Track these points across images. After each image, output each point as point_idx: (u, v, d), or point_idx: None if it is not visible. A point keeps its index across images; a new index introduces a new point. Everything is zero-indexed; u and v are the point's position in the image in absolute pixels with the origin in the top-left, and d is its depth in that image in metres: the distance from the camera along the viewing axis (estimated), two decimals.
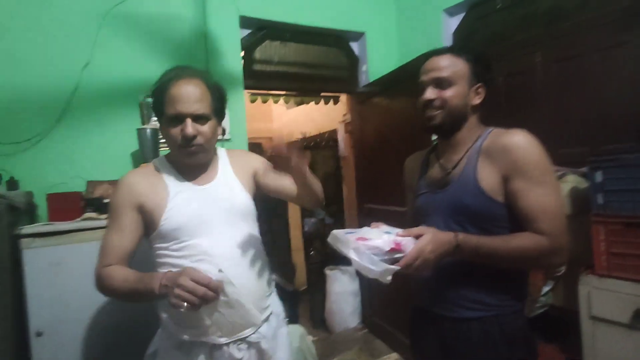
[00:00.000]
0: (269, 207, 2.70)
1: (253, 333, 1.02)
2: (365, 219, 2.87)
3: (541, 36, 1.79)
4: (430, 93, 0.96)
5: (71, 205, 1.58)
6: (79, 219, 1.54)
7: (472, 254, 0.87)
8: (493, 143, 0.93)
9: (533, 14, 1.90)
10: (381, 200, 2.62)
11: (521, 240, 0.86)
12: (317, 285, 3.33)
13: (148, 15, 2.00)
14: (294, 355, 1.22)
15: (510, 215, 0.90)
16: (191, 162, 1.04)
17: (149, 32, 2.00)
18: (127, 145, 1.91)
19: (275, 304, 1.16)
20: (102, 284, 0.98)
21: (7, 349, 1.32)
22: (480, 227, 0.92)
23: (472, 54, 0.98)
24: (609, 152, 1.33)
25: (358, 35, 2.77)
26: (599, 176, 1.30)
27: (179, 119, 0.97)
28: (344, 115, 3.38)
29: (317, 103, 3.39)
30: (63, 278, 1.42)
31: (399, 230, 0.89)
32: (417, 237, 0.83)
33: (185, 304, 0.81)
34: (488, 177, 0.91)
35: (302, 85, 2.79)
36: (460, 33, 2.33)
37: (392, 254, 0.80)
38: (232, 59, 2.21)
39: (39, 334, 1.38)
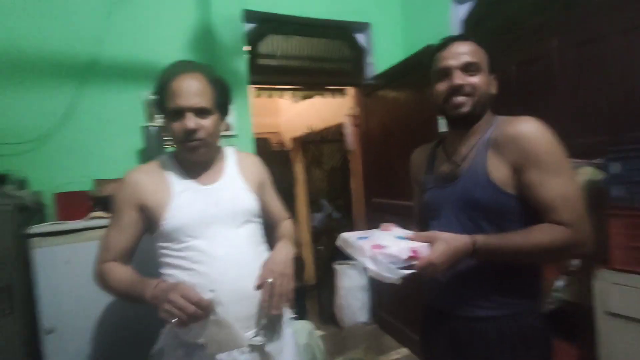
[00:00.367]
0: None
1: (256, 336, 1.00)
2: (372, 213, 2.86)
3: (558, 19, 1.70)
4: (459, 78, 0.91)
5: (79, 204, 1.60)
6: (86, 218, 1.55)
7: (492, 256, 0.84)
8: (501, 133, 0.90)
9: None
10: (389, 194, 2.60)
11: (542, 235, 0.82)
12: (326, 280, 3.33)
13: (152, 13, 1.99)
14: (302, 352, 1.21)
15: (523, 208, 0.87)
16: (193, 158, 1.03)
17: (154, 29, 1.99)
18: (133, 144, 1.91)
19: None
20: (100, 279, 0.99)
21: (19, 346, 1.35)
22: (493, 220, 0.89)
23: (486, 44, 0.95)
24: (630, 140, 1.28)
25: (363, 27, 2.72)
26: (615, 167, 1.25)
27: (180, 113, 0.96)
28: (351, 108, 3.34)
29: (323, 97, 3.36)
30: (72, 276, 1.43)
31: (411, 234, 0.87)
32: (431, 241, 0.82)
33: (174, 320, 0.82)
34: (498, 169, 0.88)
35: (307, 79, 2.76)
36: (470, 21, 2.26)
37: (409, 262, 0.79)
38: (237, 54, 2.19)
39: (50, 331, 1.41)
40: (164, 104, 0.98)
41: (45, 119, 1.77)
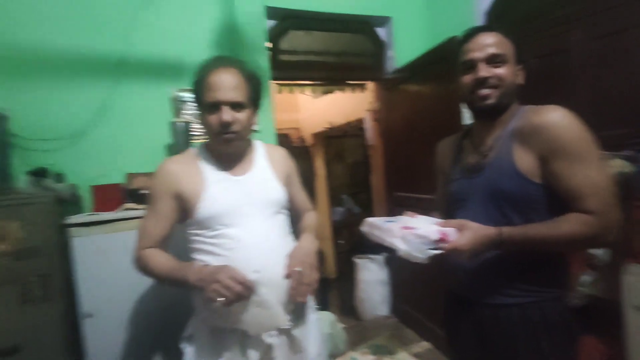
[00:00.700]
0: None
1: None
2: (394, 208, 2.85)
3: (580, 11, 1.67)
4: (485, 70, 0.91)
5: (112, 196, 1.68)
6: (119, 209, 1.63)
7: (518, 247, 0.85)
8: (526, 122, 0.89)
9: None
10: (410, 188, 2.58)
11: (570, 225, 0.81)
12: (346, 274, 3.35)
13: (177, 11, 2.05)
14: (324, 341, 1.24)
15: (550, 197, 0.86)
16: (227, 150, 1.07)
17: (179, 27, 2.05)
18: (162, 139, 1.98)
19: None
20: (140, 265, 1.05)
21: (62, 329, 1.44)
22: (519, 210, 0.89)
23: (513, 34, 0.95)
24: None
25: (384, 20, 2.71)
26: None
27: (216, 106, 1.00)
28: (371, 103, 3.33)
29: (343, 92, 3.37)
30: (108, 264, 1.51)
31: (438, 221, 0.89)
32: (460, 228, 0.83)
33: (220, 299, 0.87)
34: (524, 159, 0.88)
35: (328, 74, 2.78)
36: (493, 12, 2.22)
37: (438, 244, 0.81)
38: (259, 51, 2.23)
39: (88, 316, 1.49)
40: (201, 97, 1.03)
41: (80, 116, 1.86)
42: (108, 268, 1.51)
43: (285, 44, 2.48)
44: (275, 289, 1.00)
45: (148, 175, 1.79)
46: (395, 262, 2.85)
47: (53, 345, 1.42)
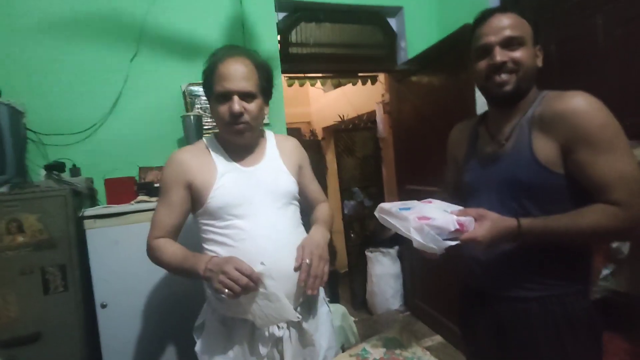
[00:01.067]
0: None
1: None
2: (405, 200, 2.82)
3: None
4: (501, 55, 0.86)
5: (125, 189, 1.70)
6: (132, 202, 1.65)
7: (538, 240, 0.81)
8: (548, 109, 0.84)
9: None
10: (422, 181, 2.55)
11: (593, 217, 0.77)
12: (358, 267, 3.35)
13: (187, 6, 2.06)
14: (335, 334, 1.23)
15: (572, 187, 0.82)
16: (238, 140, 1.06)
17: (190, 21, 2.06)
18: (173, 133, 2.00)
19: None
20: (152, 254, 1.06)
21: (79, 318, 1.48)
22: (538, 201, 0.85)
23: (530, 14, 0.90)
24: None
25: (395, 10, 2.66)
26: None
27: (227, 96, 0.99)
28: (382, 95, 3.29)
29: (354, 84, 3.34)
30: (121, 255, 1.54)
31: (455, 208, 0.86)
32: (478, 217, 0.80)
33: (227, 290, 0.86)
34: (544, 148, 0.83)
35: (339, 66, 2.75)
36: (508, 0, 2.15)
37: (455, 234, 0.79)
38: (269, 44, 2.21)
39: (103, 306, 1.53)
40: (211, 87, 1.02)
41: (95, 111, 1.89)
42: (121, 259, 1.54)
43: (295, 36, 2.46)
44: (284, 282, 0.98)
45: (160, 168, 1.82)
46: (408, 255, 2.83)
47: (71, 334, 1.46)
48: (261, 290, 0.92)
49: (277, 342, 1.02)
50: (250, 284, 0.88)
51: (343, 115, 3.97)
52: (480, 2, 2.23)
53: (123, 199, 1.66)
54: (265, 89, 1.07)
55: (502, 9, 0.91)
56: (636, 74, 1.48)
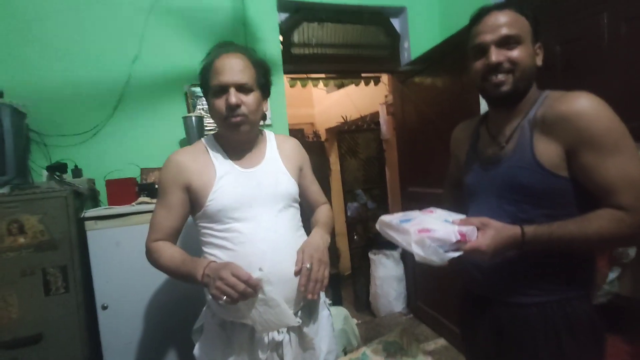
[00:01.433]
0: None
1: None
2: (408, 203, 2.80)
3: None
4: (497, 55, 0.84)
5: (127, 190, 1.70)
6: (134, 203, 1.65)
7: (542, 247, 0.78)
8: (550, 110, 0.82)
9: None
10: (425, 183, 2.53)
11: (601, 222, 0.74)
12: (361, 270, 3.33)
13: (189, 7, 2.06)
14: (337, 337, 1.22)
15: (576, 191, 0.80)
16: (236, 136, 1.04)
17: (191, 23, 2.06)
18: (175, 134, 2.00)
19: None
20: (151, 257, 1.04)
21: (80, 319, 1.47)
22: (540, 205, 0.83)
23: (529, 10, 0.87)
24: None
25: (399, 11, 2.65)
26: None
27: (223, 89, 0.99)
28: (386, 96, 3.28)
29: (357, 85, 3.32)
30: (122, 257, 1.54)
31: (456, 217, 0.84)
32: (481, 227, 0.79)
33: (224, 297, 0.85)
34: (547, 150, 0.80)
35: (342, 67, 2.73)
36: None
37: (456, 245, 0.77)
38: (271, 44, 2.21)
39: (104, 307, 1.52)
40: (208, 83, 1.01)
41: (97, 112, 1.89)
42: (122, 260, 1.54)
43: (297, 36, 2.46)
44: (284, 286, 0.97)
45: (161, 170, 1.81)
46: (411, 258, 2.81)
47: (72, 335, 1.46)
48: (260, 296, 0.90)
49: (277, 346, 1.01)
50: (247, 290, 0.86)
51: (346, 117, 3.95)
52: (485, 2, 2.20)
53: (124, 200, 1.66)
54: (263, 85, 1.06)
55: (498, 6, 0.88)
56: (638, 75, 1.44)
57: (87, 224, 1.52)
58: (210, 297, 1.03)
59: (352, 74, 3.12)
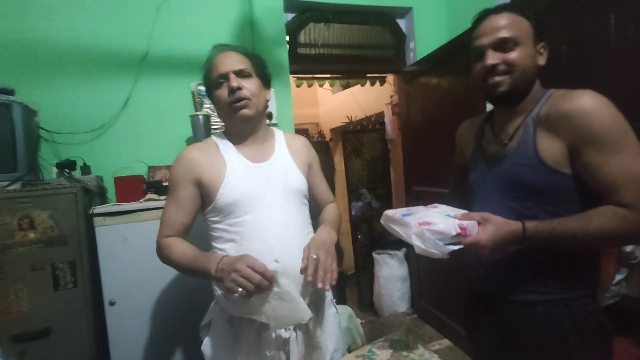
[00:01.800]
0: None
1: None
2: (413, 202, 2.80)
3: None
4: (492, 57, 0.86)
5: (135, 187, 1.72)
6: (142, 200, 1.67)
7: (545, 243, 0.79)
8: (554, 108, 0.82)
9: None
10: (430, 183, 2.54)
11: (603, 219, 0.74)
12: (365, 269, 3.33)
13: (197, 7, 2.08)
14: (342, 335, 1.22)
15: (579, 188, 0.80)
16: (241, 123, 1.06)
17: (198, 23, 2.08)
18: (182, 132, 2.02)
19: None
20: (161, 253, 1.05)
21: (88, 315, 1.49)
22: (543, 202, 0.83)
23: (531, 10, 0.88)
24: None
25: (405, 11, 2.65)
26: None
27: (224, 77, 1.03)
28: (391, 96, 3.28)
29: (362, 85, 3.33)
30: (130, 253, 1.55)
31: (459, 212, 0.85)
32: (482, 221, 0.79)
33: (240, 289, 0.84)
34: (550, 148, 0.81)
35: (348, 67, 2.75)
36: (517, 0, 2.12)
37: (457, 239, 0.78)
38: (278, 44, 2.22)
39: (112, 303, 1.54)
40: (210, 80, 1.06)
41: (105, 110, 1.92)
42: (130, 257, 1.55)
43: (304, 36, 2.47)
44: (296, 280, 0.96)
45: (169, 168, 1.83)
46: (415, 258, 2.81)
47: (80, 330, 1.47)
48: (275, 289, 0.89)
49: (284, 343, 1.01)
50: (263, 282, 0.85)
51: (351, 117, 3.96)
52: (490, 3, 2.20)
53: (132, 197, 1.68)
54: (262, 76, 1.10)
55: (497, 9, 0.89)
56: None
57: (96, 220, 1.53)
58: (219, 292, 1.04)
59: (358, 74, 3.13)
